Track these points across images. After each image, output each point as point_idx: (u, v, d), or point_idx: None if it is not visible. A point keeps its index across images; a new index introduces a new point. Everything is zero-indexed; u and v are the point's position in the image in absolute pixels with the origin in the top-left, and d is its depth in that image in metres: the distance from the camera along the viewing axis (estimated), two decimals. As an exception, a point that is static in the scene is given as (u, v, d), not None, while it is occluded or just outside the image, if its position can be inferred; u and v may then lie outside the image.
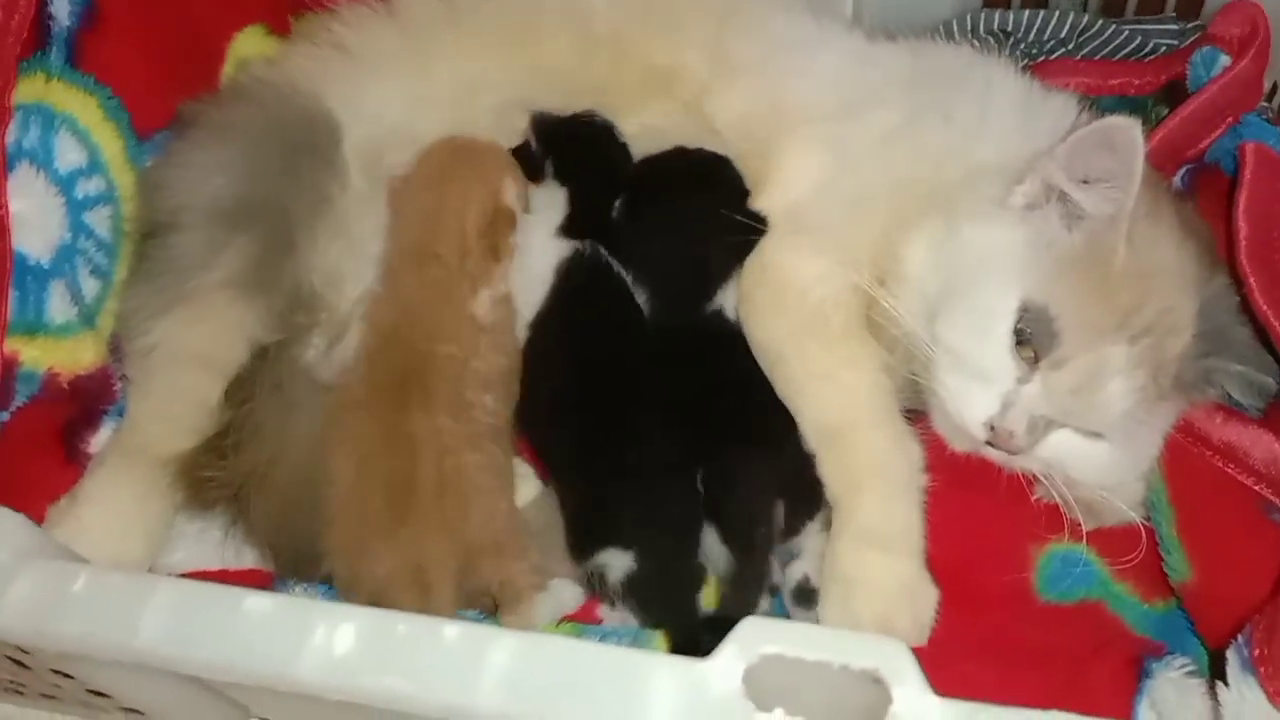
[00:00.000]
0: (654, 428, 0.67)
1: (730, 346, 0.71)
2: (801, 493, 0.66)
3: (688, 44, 0.80)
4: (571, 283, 0.73)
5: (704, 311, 0.72)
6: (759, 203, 0.75)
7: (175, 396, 0.69)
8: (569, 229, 0.74)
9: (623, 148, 0.78)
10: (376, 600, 0.60)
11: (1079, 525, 0.66)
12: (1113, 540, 0.67)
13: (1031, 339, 0.63)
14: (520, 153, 0.78)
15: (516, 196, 0.76)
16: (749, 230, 0.73)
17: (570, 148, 0.77)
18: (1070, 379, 0.62)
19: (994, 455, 0.65)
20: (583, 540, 0.66)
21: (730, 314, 0.72)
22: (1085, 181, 0.64)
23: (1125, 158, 0.62)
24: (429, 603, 0.61)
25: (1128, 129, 0.62)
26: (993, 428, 0.63)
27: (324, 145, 0.76)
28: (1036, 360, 0.63)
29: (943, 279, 0.67)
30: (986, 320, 0.64)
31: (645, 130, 0.79)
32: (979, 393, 0.64)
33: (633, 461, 0.66)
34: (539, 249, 0.74)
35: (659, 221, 0.75)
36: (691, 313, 0.72)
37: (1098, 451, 0.65)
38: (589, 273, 0.73)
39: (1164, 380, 0.64)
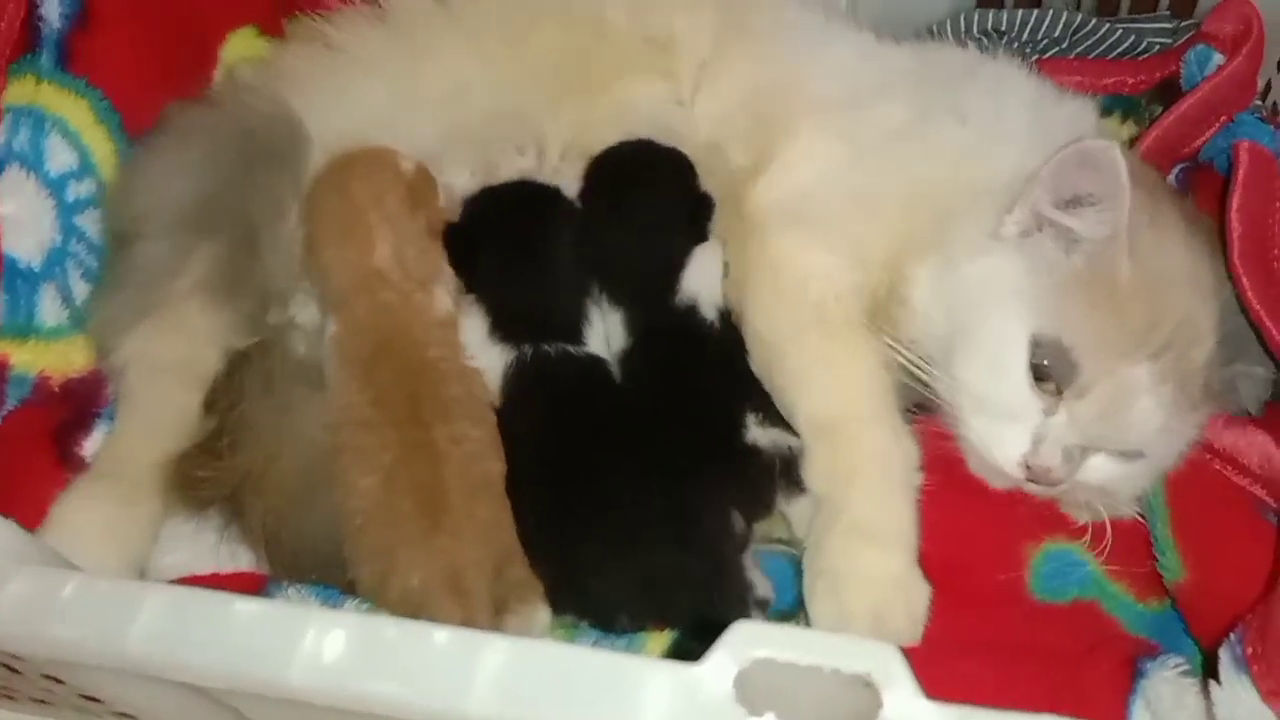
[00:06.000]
0: (619, 492, 0.65)
1: (699, 348, 0.70)
2: (753, 494, 0.66)
3: (699, 9, 0.80)
4: (519, 386, 0.70)
5: (675, 307, 0.71)
6: (761, 183, 0.74)
7: (154, 410, 0.68)
8: (497, 335, 0.72)
9: (536, 225, 0.74)
10: (411, 611, 0.60)
11: (1074, 522, 0.66)
12: (1104, 540, 0.66)
13: (1050, 372, 0.62)
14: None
15: (418, 169, 0.74)
16: (697, 217, 0.73)
17: (478, 265, 0.74)
18: (1096, 406, 0.61)
19: (1038, 491, 0.64)
20: (555, 605, 0.65)
21: (707, 312, 0.71)
22: (1074, 204, 0.63)
23: (1108, 179, 0.61)
24: (468, 608, 0.60)
25: (1104, 150, 0.61)
26: (1028, 465, 0.63)
27: (283, 150, 0.75)
28: (1059, 391, 0.62)
29: (951, 319, 0.66)
30: (1000, 359, 0.63)
31: (624, 109, 0.78)
32: (1008, 432, 0.63)
33: (595, 533, 0.65)
34: (482, 353, 0.72)
35: (608, 224, 0.74)
36: (661, 310, 0.71)
37: (1137, 469, 0.64)
38: (535, 374, 0.70)
39: (1193, 391, 0.63)
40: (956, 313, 0.66)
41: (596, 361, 0.72)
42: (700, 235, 0.74)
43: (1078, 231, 0.63)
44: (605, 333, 0.73)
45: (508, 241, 0.74)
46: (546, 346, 0.71)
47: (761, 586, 0.65)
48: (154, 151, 0.74)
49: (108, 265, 0.72)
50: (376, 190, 0.72)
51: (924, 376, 0.66)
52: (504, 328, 0.72)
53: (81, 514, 0.65)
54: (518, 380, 0.70)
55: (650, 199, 0.74)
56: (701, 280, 0.73)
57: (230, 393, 0.70)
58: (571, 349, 0.72)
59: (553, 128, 0.79)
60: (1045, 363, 0.62)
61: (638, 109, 0.78)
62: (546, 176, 0.78)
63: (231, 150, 0.73)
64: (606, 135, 0.78)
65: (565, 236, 0.75)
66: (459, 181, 0.77)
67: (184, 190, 0.71)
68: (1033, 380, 0.63)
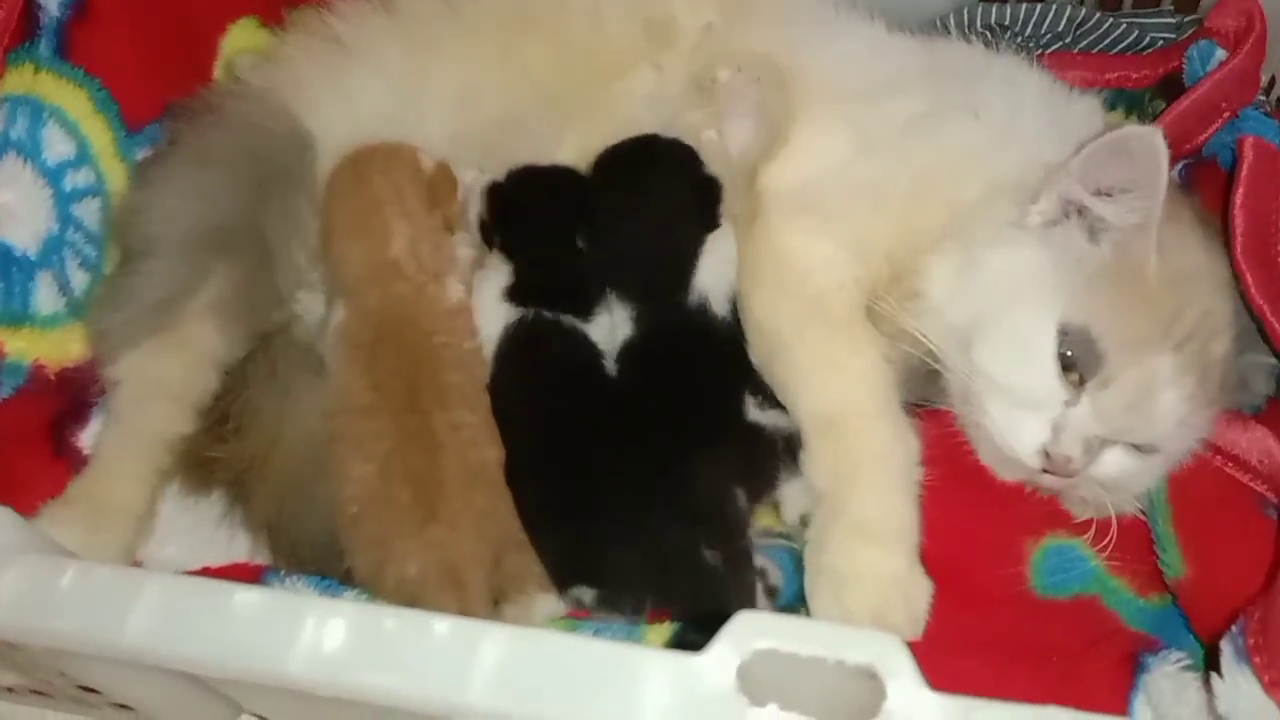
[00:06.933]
0: (622, 468, 0.66)
1: (713, 348, 0.70)
2: (756, 473, 0.66)
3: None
4: (514, 348, 0.70)
5: (686, 305, 0.71)
6: (765, 172, 0.73)
7: (138, 437, 0.67)
8: (514, 296, 0.72)
9: (576, 203, 0.75)
10: (407, 600, 0.60)
11: (1075, 518, 0.66)
12: (1108, 535, 0.66)
13: (1075, 361, 0.62)
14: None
15: (439, 167, 0.75)
16: (706, 203, 0.73)
17: (517, 225, 0.74)
18: (1121, 396, 0.61)
19: (1049, 482, 0.64)
20: (557, 578, 0.65)
21: (717, 308, 0.71)
22: (1105, 193, 0.63)
23: (1147, 166, 0.61)
24: (464, 601, 0.60)
25: (1147, 137, 0.61)
26: (1047, 454, 0.62)
27: (297, 169, 0.75)
28: (1082, 381, 0.62)
29: (972, 309, 0.65)
30: (1027, 348, 0.63)
31: (626, 107, 0.77)
32: (1028, 420, 0.63)
33: (599, 506, 0.65)
34: (488, 312, 0.72)
35: (616, 219, 0.74)
36: (673, 307, 0.71)
37: (1148, 464, 0.64)
38: (531, 338, 0.71)
39: (1211, 385, 0.63)
40: (979, 302, 0.65)
41: (593, 346, 0.72)
42: (712, 221, 0.73)
43: (1109, 219, 0.63)
44: (610, 326, 0.73)
45: (551, 211, 0.75)
46: (548, 314, 0.71)
47: (773, 574, 0.65)
48: (168, 172, 0.73)
49: (113, 277, 0.72)
50: (395, 184, 0.73)
51: (935, 365, 0.66)
52: (522, 293, 0.72)
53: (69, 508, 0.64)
54: (513, 341, 0.70)
55: (656, 188, 0.74)
56: (715, 273, 0.72)
57: (238, 379, 0.69)
58: (575, 324, 0.72)
59: (557, 128, 0.78)
60: (1070, 352, 0.62)
61: (639, 107, 0.78)
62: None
63: (248, 174, 0.72)
64: (613, 134, 0.77)
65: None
66: (468, 178, 0.77)
67: (201, 214, 0.71)
68: (1060, 369, 0.62)
